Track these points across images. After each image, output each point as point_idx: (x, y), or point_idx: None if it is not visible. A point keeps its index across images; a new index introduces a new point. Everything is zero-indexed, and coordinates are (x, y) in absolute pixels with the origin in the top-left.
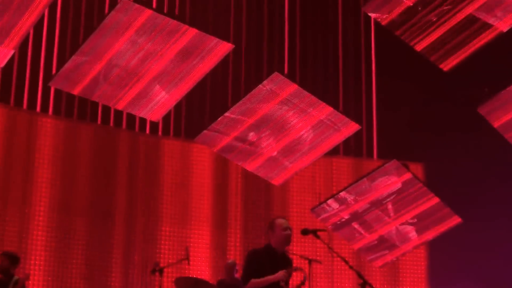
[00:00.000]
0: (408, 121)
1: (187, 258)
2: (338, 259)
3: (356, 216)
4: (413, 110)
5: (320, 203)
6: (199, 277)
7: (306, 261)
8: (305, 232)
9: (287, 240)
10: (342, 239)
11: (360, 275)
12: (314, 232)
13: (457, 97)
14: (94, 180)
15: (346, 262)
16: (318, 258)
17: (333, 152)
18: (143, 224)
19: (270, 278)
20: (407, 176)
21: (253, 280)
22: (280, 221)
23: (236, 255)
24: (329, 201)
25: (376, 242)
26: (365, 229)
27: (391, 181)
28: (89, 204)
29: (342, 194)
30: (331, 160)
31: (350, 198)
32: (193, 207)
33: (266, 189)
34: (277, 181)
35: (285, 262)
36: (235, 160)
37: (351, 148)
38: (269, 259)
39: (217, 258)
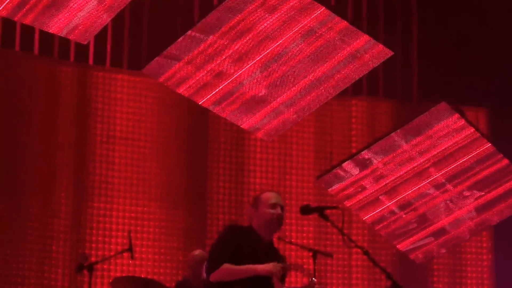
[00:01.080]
0: (464, 55)
1: (130, 248)
2: (358, 251)
3: (385, 187)
4: (470, 39)
5: (332, 168)
6: (149, 276)
7: (310, 254)
8: (306, 210)
9: (274, 223)
10: (364, 221)
11: (389, 276)
12: (321, 211)
13: None
14: None
15: (369, 255)
16: (327, 249)
17: (352, 91)
18: (66, 198)
19: (258, 268)
20: (462, 126)
21: (228, 266)
22: (267, 195)
23: (208, 243)
24: (345, 165)
25: (415, 225)
26: (399, 206)
27: (437, 134)
28: None
29: (364, 153)
30: (349, 103)
31: (376, 159)
32: (144, 173)
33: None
34: (266, 134)
35: (272, 256)
36: (202, 102)
37: (379, 86)
38: (252, 244)
39: (179, 250)
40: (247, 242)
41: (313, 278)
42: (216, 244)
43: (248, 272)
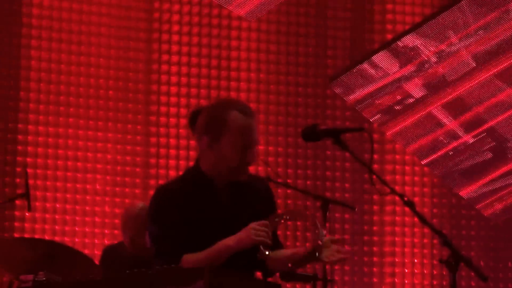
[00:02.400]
0: None
1: (26, 194)
2: (395, 199)
3: (442, 94)
4: None
5: (354, 63)
6: (56, 239)
7: (318, 204)
8: (312, 134)
9: (237, 172)
10: (405, 151)
11: (445, 241)
12: (336, 135)
13: None
14: None
15: (413, 208)
16: (345, 198)
17: None
18: None
19: (231, 244)
20: None
21: (188, 258)
22: (237, 122)
23: (154, 186)
24: (377, 57)
25: (490, 157)
26: (464, 125)
27: None
28: None
29: (407, 39)
30: None
31: (427, 49)
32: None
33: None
34: (250, 11)
35: (243, 199)
36: None
37: None
38: (204, 198)
39: (111, 197)
40: (195, 200)
41: (320, 229)
42: (153, 228)
43: (220, 255)
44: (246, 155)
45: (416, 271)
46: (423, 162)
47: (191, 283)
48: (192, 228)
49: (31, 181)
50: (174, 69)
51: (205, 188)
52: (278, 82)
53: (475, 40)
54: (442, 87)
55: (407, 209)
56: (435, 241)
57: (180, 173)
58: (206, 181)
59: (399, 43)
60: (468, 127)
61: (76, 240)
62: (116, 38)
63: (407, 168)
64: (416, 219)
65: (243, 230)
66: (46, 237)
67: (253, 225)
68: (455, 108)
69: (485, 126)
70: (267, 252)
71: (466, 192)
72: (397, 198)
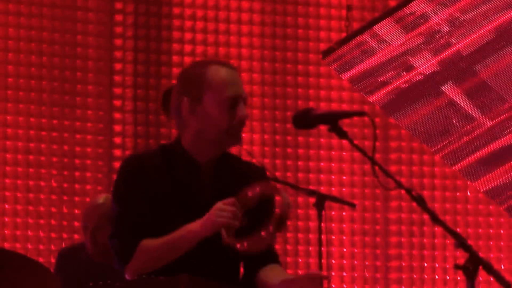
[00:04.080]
0: None
1: None
2: (400, 195)
3: (454, 68)
4: None
5: (353, 34)
6: (7, 246)
7: (313, 200)
8: (305, 120)
9: (232, 135)
10: (411, 137)
11: (463, 244)
12: (333, 121)
13: None
14: None
15: (424, 205)
16: (343, 192)
17: None
18: None
19: (194, 230)
20: None
21: (147, 244)
22: (220, 75)
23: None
24: (379, 26)
25: (510, 141)
26: (480, 107)
27: None
28: None
29: (415, 4)
30: None
31: (438, 13)
32: None
33: None
34: None
35: (230, 187)
36: None
37: None
38: (178, 178)
39: (51, 194)
40: (169, 179)
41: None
42: (114, 206)
43: (183, 242)
44: (235, 111)
45: (426, 276)
46: (433, 150)
47: None
48: (161, 211)
49: None
50: None
51: (184, 166)
52: (262, 58)
53: (495, 6)
54: (455, 62)
55: (415, 205)
56: (448, 241)
57: None
58: (186, 159)
59: (406, 10)
60: (486, 107)
61: (29, 246)
62: None
63: (414, 157)
64: (426, 216)
65: (208, 214)
66: None
67: (218, 204)
68: (471, 86)
69: (506, 107)
70: (234, 242)
71: (483, 184)
72: (403, 192)
